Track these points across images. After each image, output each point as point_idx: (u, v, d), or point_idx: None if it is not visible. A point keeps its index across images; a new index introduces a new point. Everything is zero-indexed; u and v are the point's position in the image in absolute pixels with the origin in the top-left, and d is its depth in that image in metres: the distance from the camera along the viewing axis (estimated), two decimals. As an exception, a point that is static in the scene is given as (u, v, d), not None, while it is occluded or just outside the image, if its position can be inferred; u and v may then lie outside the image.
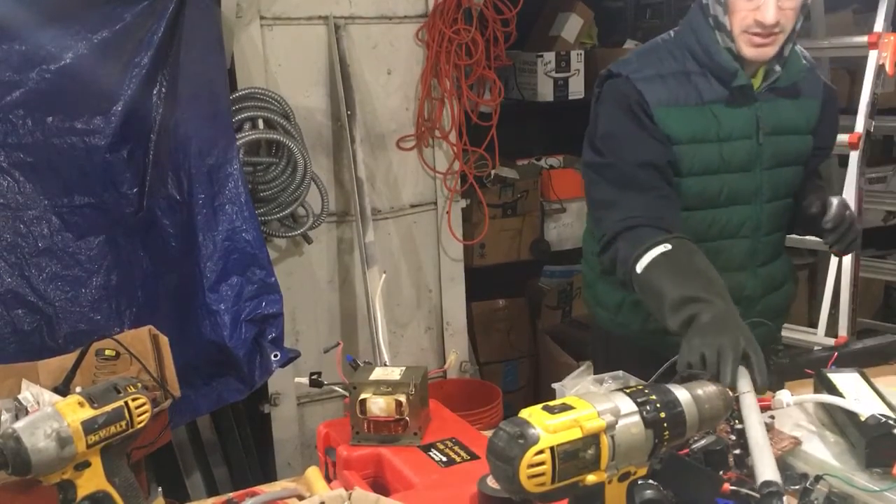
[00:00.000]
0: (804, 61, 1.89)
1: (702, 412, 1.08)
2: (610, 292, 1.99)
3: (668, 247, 1.60)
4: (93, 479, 1.24)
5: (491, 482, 1.24)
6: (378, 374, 1.51)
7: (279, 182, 2.75)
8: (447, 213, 3.22)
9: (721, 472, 1.31)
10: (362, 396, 1.46)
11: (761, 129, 1.83)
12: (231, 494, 1.40)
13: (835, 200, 1.82)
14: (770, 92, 1.84)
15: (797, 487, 1.34)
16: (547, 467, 0.96)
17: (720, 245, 1.86)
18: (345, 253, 3.09)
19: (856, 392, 1.54)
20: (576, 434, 0.97)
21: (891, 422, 1.36)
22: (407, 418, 1.45)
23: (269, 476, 2.93)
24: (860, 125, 2.98)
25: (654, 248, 1.61)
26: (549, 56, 3.81)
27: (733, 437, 1.41)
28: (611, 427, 1.00)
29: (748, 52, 1.75)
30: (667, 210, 1.75)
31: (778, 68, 1.82)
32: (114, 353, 1.93)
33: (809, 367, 1.79)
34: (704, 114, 1.80)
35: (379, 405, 1.45)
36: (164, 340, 1.98)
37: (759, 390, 1.36)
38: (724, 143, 1.81)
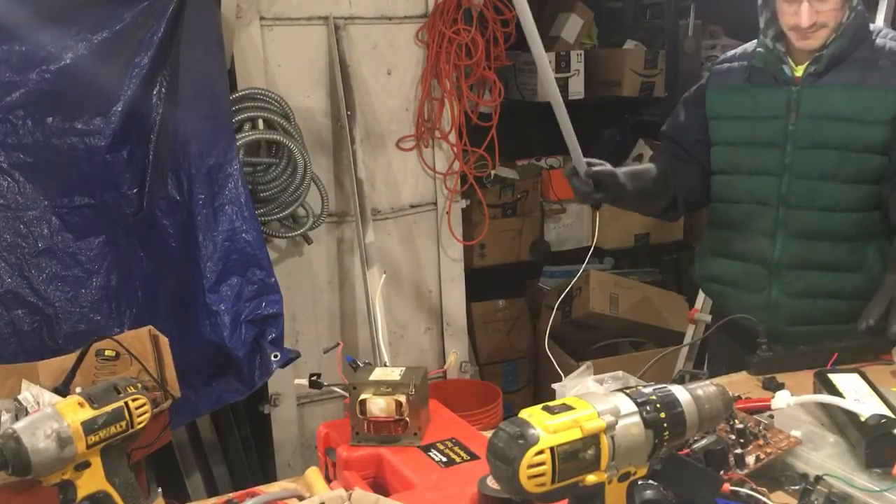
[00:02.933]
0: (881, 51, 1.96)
1: (702, 412, 1.08)
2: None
3: None
4: (93, 480, 1.24)
5: (491, 482, 1.24)
6: (378, 374, 1.51)
7: (279, 182, 2.75)
8: (447, 213, 3.22)
9: (721, 472, 1.31)
10: (362, 397, 1.46)
11: (795, 112, 1.99)
12: (231, 495, 1.40)
13: None
14: (817, 78, 1.97)
15: (797, 487, 1.34)
16: (547, 468, 0.96)
17: (750, 209, 2.08)
18: (345, 253, 3.09)
19: (856, 392, 1.54)
20: (576, 434, 0.97)
21: (891, 422, 1.37)
22: (407, 419, 1.45)
23: (269, 476, 2.93)
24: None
25: None
26: (549, 56, 3.80)
27: (733, 437, 1.41)
28: (611, 427, 1.00)
29: (797, 44, 1.98)
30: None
31: (817, 55, 1.96)
32: (114, 354, 1.93)
33: (795, 363, 1.80)
34: (747, 94, 2.07)
35: (379, 405, 1.45)
36: (164, 341, 1.98)
37: None
38: (756, 121, 2.05)
